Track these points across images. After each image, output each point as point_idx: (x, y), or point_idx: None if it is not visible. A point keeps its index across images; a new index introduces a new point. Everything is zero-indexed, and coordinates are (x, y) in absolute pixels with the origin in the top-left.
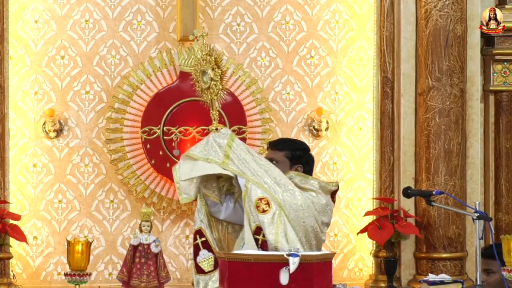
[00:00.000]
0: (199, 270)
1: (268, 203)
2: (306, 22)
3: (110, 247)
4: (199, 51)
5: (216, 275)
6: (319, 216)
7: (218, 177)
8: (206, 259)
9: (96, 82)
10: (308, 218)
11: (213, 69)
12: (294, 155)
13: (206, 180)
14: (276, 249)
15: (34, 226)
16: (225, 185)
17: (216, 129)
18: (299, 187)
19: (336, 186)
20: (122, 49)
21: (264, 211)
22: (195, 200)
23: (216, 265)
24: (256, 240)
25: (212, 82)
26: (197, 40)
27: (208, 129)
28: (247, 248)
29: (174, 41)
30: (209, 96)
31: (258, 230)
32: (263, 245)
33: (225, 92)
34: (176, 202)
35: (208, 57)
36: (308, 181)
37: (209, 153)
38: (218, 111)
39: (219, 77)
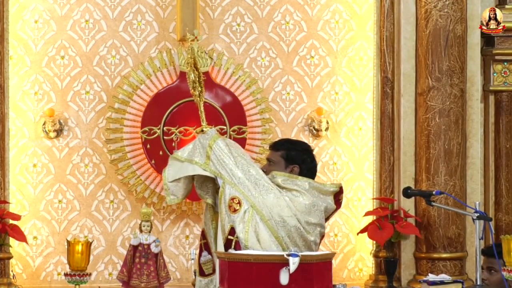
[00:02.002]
0: (201, 273)
1: (239, 203)
2: (306, 22)
3: (110, 247)
4: (188, 54)
5: (210, 278)
6: (302, 216)
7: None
8: (207, 261)
9: (96, 82)
10: (289, 218)
11: (193, 71)
12: (289, 155)
13: (202, 181)
14: (246, 247)
15: (34, 226)
16: None
17: (202, 130)
18: (282, 187)
19: (337, 187)
20: (122, 49)
21: (235, 210)
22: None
23: (214, 269)
24: (230, 241)
25: (193, 84)
26: (197, 40)
27: (195, 131)
28: (218, 249)
29: (174, 41)
30: (195, 98)
31: (232, 231)
32: (237, 246)
33: (204, 94)
34: None
35: (190, 60)
36: (295, 181)
37: (194, 154)
38: (217, 111)
39: (197, 78)
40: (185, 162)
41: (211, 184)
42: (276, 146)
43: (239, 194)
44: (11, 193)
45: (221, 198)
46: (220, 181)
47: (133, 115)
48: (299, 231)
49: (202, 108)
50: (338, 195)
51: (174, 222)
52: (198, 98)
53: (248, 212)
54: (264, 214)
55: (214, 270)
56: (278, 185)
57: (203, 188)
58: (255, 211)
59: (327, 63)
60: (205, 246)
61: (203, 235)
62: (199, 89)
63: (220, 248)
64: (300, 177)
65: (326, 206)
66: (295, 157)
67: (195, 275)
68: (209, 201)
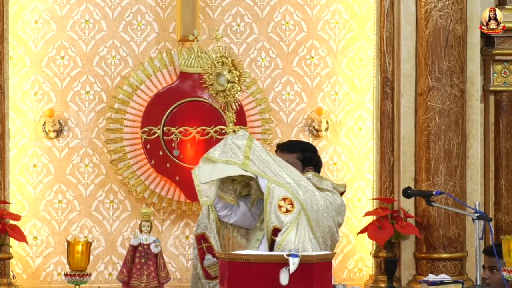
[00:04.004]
0: (207, 275)
1: (291, 203)
2: (306, 23)
3: (110, 247)
4: (213, 53)
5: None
6: (336, 216)
7: (233, 179)
8: (212, 264)
9: (96, 82)
10: (327, 219)
11: (229, 71)
12: (306, 157)
13: (222, 183)
14: (279, 245)
15: (34, 226)
16: (237, 188)
17: (234, 131)
18: (317, 188)
19: (345, 188)
20: (122, 49)
21: (287, 211)
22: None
23: None
24: (273, 241)
25: (229, 84)
26: (197, 41)
27: (226, 131)
28: (264, 250)
29: (174, 41)
30: (226, 98)
31: (275, 231)
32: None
33: (241, 94)
34: (175, 202)
35: (224, 59)
36: (323, 182)
37: (228, 154)
38: (217, 111)
39: (236, 78)
40: (220, 163)
41: (231, 185)
42: (290, 148)
43: (289, 194)
44: (11, 193)
45: (267, 198)
46: (263, 181)
47: (133, 115)
48: (332, 232)
49: (233, 109)
50: (341, 195)
51: (174, 222)
52: (232, 99)
53: (297, 215)
54: (309, 214)
55: None
56: (314, 185)
57: (224, 189)
58: (303, 211)
59: (327, 63)
60: (208, 249)
61: (204, 239)
62: (238, 88)
63: (265, 249)
64: (324, 178)
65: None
66: (311, 159)
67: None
68: (234, 202)
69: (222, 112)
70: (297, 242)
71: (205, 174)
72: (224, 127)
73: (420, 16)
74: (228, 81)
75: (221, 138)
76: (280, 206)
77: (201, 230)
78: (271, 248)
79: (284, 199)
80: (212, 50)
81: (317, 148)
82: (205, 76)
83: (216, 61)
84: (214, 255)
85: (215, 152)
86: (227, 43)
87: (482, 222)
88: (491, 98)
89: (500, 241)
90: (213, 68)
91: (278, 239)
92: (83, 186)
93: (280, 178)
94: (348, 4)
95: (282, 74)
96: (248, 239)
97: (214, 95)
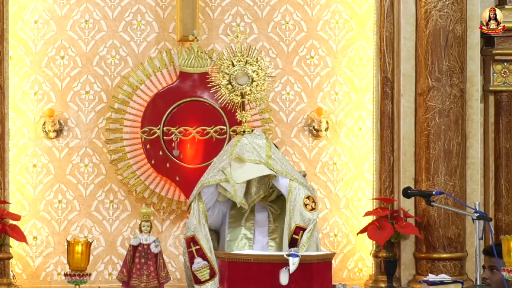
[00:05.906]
0: (196, 280)
1: (314, 201)
2: (306, 22)
3: (110, 247)
4: (232, 53)
5: (206, 285)
6: None
7: None
8: (201, 268)
9: (96, 82)
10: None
11: (254, 70)
12: None
13: None
14: (305, 245)
15: (34, 226)
16: None
17: (252, 130)
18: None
19: None
20: (122, 49)
21: (312, 209)
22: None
23: (212, 274)
24: (295, 240)
25: (253, 83)
26: (197, 41)
27: (243, 130)
28: (283, 250)
29: (174, 41)
30: (244, 97)
31: (297, 230)
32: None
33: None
34: (175, 202)
35: (248, 58)
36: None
37: (253, 154)
38: (217, 111)
39: (262, 78)
40: (248, 163)
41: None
42: None
43: (310, 193)
44: (11, 193)
45: (289, 196)
46: (284, 180)
47: (133, 115)
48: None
49: (249, 109)
50: None
51: (174, 222)
52: (253, 98)
53: (318, 211)
54: None
55: (211, 276)
56: None
57: None
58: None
59: (327, 63)
60: (198, 252)
61: (194, 241)
62: (262, 87)
63: (285, 246)
64: None
65: None
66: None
67: None
68: (243, 202)
69: (238, 111)
70: (317, 240)
71: (238, 175)
72: (224, 127)
73: (420, 16)
74: (252, 80)
75: (221, 138)
76: (306, 204)
77: (191, 233)
78: (291, 246)
79: (308, 197)
80: (231, 49)
81: (317, 148)
82: (218, 75)
83: (238, 60)
84: (204, 258)
85: (243, 153)
86: (226, 43)
87: (482, 222)
88: (491, 98)
89: (500, 241)
90: (231, 68)
91: (304, 237)
92: (83, 186)
93: (298, 177)
94: (348, 4)
95: (282, 74)
96: (218, 238)
97: (227, 94)
